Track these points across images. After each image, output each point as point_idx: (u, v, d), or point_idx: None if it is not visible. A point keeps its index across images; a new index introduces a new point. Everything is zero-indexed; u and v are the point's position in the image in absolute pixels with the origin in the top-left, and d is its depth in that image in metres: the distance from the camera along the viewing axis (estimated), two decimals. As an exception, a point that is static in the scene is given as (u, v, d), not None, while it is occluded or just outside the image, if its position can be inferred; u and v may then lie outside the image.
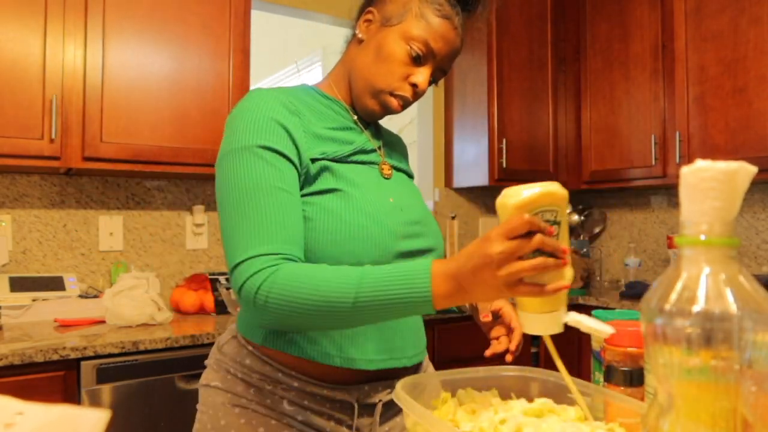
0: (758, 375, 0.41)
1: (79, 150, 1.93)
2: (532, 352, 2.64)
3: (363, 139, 1.02)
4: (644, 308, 0.45)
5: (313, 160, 0.93)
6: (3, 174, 2.13)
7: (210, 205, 2.52)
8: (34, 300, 2.00)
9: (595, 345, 0.90)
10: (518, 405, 0.71)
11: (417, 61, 0.97)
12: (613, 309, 1.53)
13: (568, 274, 0.70)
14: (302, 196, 0.92)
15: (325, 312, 0.78)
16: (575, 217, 3.36)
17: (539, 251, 0.68)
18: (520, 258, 0.68)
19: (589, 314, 0.81)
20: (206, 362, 1.04)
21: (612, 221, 3.39)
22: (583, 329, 0.74)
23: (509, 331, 1.01)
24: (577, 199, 3.50)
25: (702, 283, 0.42)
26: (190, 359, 1.79)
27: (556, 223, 0.69)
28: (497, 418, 0.64)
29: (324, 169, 0.93)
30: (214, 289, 2.23)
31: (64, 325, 1.92)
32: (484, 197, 3.31)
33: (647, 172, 2.81)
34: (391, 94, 0.98)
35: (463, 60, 3.08)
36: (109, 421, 0.43)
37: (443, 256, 1.07)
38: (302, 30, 4.11)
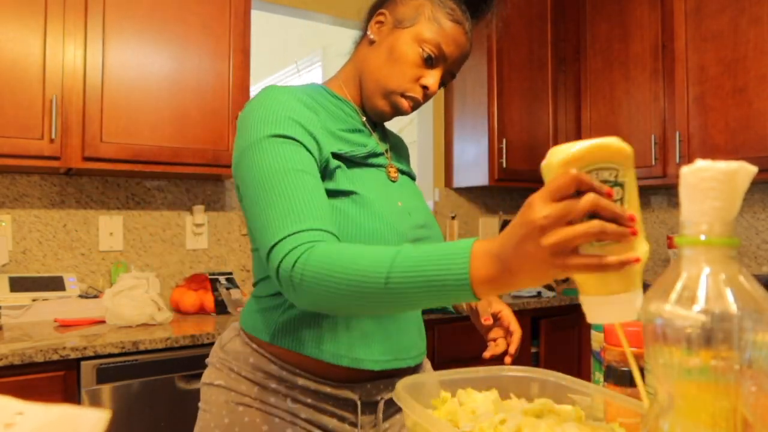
0: (758, 375, 0.41)
1: (79, 150, 1.93)
2: (532, 352, 2.64)
3: (373, 142, 1.02)
4: (644, 308, 0.45)
5: (334, 155, 0.93)
6: (3, 174, 2.13)
7: (210, 205, 2.52)
8: (34, 300, 2.00)
9: (595, 345, 0.90)
10: (518, 405, 0.71)
11: (429, 63, 0.98)
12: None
13: (642, 247, 0.56)
14: None
15: (357, 292, 0.72)
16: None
17: (596, 217, 0.55)
18: (571, 224, 0.55)
19: None
20: (208, 360, 1.04)
21: (612, 221, 3.38)
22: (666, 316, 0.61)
23: (507, 333, 1.02)
24: (577, 199, 3.50)
25: (702, 283, 0.42)
26: (190, 359, 1.79)
27: (618, 184, 0.57)
28: (497, 418, 0.64)
29: (340, 168, 0.93)
30: (214, 289, 2.23)
31: (64, 325, 1.92)
32: (484, 197, 3.31)
33: (647, 172, 2.81)
34: (402, 96, 0.99)
35: (463, 60, 3.07)
36: (109, 421, 0.43)
37: None
38: (302, 30, 4.11)
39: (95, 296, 2.12)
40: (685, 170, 0.44)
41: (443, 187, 3.19)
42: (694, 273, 0.43)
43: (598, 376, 0.88)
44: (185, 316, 2.16)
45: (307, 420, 0.94)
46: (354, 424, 0.96)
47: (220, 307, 2.20)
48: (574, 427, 0.63)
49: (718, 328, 0.41)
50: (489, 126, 2.90)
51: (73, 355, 1.62)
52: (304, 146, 0.88)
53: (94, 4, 1.95)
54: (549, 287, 2.91)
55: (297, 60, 4.28)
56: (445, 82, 1.03)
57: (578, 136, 3.15)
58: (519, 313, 2.55)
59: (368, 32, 1.03)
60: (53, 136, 1.88)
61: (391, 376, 0.99)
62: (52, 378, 1.61)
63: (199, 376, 1.84)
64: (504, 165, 2.89)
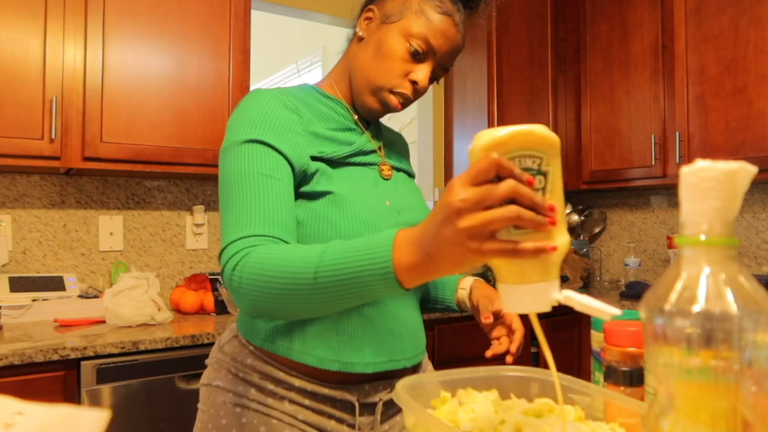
0: (758, 375, 0.41)
1: (79, 150, 1.93)
2: (532, 352, 2.64)
3: (363, 139, 1.01)
4: (644, 308, 0.45)
5: (313, 158, 0.92)
6: (3, 174, 2.13)
7: (210, 205, 2.52)
8: (34, 300, 2.00)
9: (595, 345, 0.90)
10: (518, 405, 0.71)
11: (417, 57, 0.96)
12: (613, 309, 1.52)
13: (561, 238, 0.56)
14: (297, 197, 0.92)
15: (289, 291, 0.73)
16: (575, 217, 3.36)
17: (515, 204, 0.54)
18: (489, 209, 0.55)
19: (589, 315, 0.77)
20: (207, 361, 1.04)
21: (612, 221, 3.39)
22: (578, 308, 0.60)
23: (510, 331, 1.01)
24: (577, 199, 3.50)
25: (702, 283, 0.42)
26: (190, 359, 1.79)
27: (541, 173, 0.55)
28: (497, 418, 0.64)
29: (320, 170, 0.92)
30: (214, 289, 2.23)
31: (64, 325, 1.92)
32: (484, 197, 3.31)
33: (647, 172, 2.81)
34: (391, 92, 0.98)
35: (463, 59, 3.08)
36: (109, 421, 0.42)
37: None
38: (302, 30, 4.11)
39: (95, 296, 2.12)
40: (685, 170, 0.44)
41: (443, 187, 3.19)
42: (694, 273, 0.43)
43: (598, 376, 0.88)
44: (185, 316, 2.16)
45: (305, 421, 0.94)
46: (352, 426, 0.96)
47: (220, 307, 2.20)
48: (574, 427, 0.63)
49: (718, 328, 0.41)
50: (489, 126, 2.90)
51: (73, 355, 1.62)
52: (278, 151, 0.89)
53: (94, 4, 1.95)
54: (549, 287, 2.91)
55: (297, 60, 4.28)
56: (437, 77, 1.01)
57: (578, 136, 3.15)
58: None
59: (357, 29, 1.02)
60: (53, 136, 1.88)
61: (390, 376, 0.98)
62: (52, 378, 1.62)
63: (199, 376, 1.84)
64: (504, 165, 2.89)
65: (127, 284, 1.97)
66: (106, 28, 1.98)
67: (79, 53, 1.94)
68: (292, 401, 0.94)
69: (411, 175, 1.14)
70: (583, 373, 2.73)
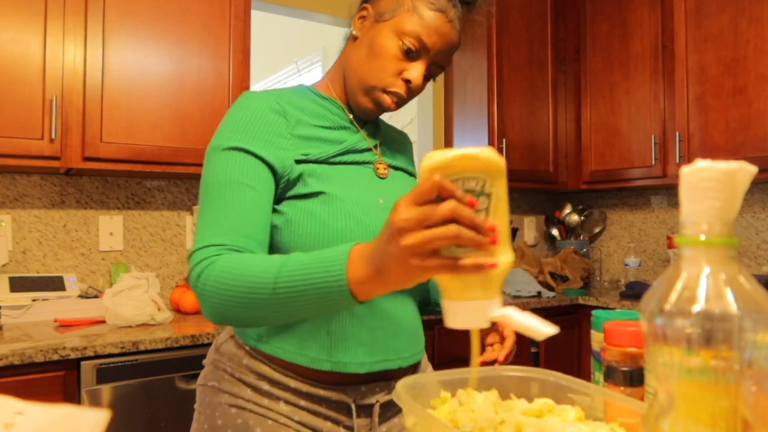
0: (758, 375, 0.41)
1: (79, 150, 1.93)
2: (532, 352, 2.64)
3: (356, 138, 1.00)
4: (644, 308, 0.45)
5: (297, 162, 0.92)
6: (3, 174, 2.13)
7: (210, 205, 2.51)
8: (34, 300, 2.00)
9: (595, 345, 0.90)
10: (518, 405, 0.71)
11: (410, 55, 0.95)
12: (613, 309, 1.53)
13: (503, 257, 0.58)
14: (286, 198, 0.92)
15: (249, 300, 0.76)
16: (575, 217, 3.36)
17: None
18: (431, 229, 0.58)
19: (589, 314, 0.78)
20: (204, 362, 1.03)
21: (612, 221, 3.39)
22: (514, 327, 0.61)
23: (502, 339, 1.01)
24: (577, 199, 3.50)
25: (702, 283, 0.42)
26: (190, 359, 1.79)
27: (484, 194, 0.58)
28: (497, 419, 0.64)
29: (307, 172, 0.92)
30: (214, 289, 2.23)
31: (64, 325, 1.92)
32: (484, 197, 3.31)
33: (647, 172, 2.81)
34: (384, 91, 0.96)
35: (463, 59, 3.08)
36: (109, 421, 0.42)
37: None
38: (302, 30, 4.11)
39: (95, 296, 2.12)
40: (685, 170, 0.44)
41: (443, 187, 3.18)
42: (694, 273, 0.43)
43: (598, 376, 0.88)
44: (185, 316, 2.16)
45: (301, 422, 0.93)
46: (349, 428, 0.95)
47: (220, 307, 2.19)
48: (574, 427, 0.63)
49: (718, 328, 0.41)
50: (489, 126, 2.90)
51: (73, 355, 1.62)
52: (260, 158, 0.89)
53: (94, 4, 1.95)
54: (549, 287, 2.91)
55: (297, 60, 4.28)
56: (432, 75, 1.00)
57: (578, 136, 3.15)
58: (519, 313, 2.55)
59: (352, 28, 1.01)
60: (53, 136, 1.88)
61: (386, 377, 0.97)
62: (52, 378, 1.62)
63: (198, 376, 1.84)
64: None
65: (127, 284, 1.97)
66: (106, 28, 1.98)
67: (79, 53, 1.94)
68: (287, 402, 0.93)
69: (412, 175, 1.13)
70: (583, 373, 2.73)
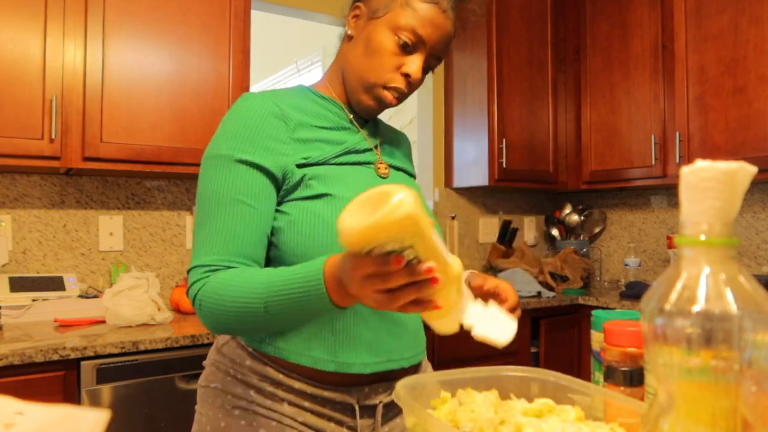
0: (758, 375, 0.41)
1: (79, 150, 1.93)
2: (532, 352, 2.64)
3: (356, 138, 1.00)
4: (644, 308, 0.45)
5: (299, 166, 0.92)
6: (3, 174, 2.13)
7: (210, 205, 2.51)
8: (34, 300, 2.00)
9: (595, 345, 0.90)
10: (518, 405, 0.71)
11: (407, 49, 0.95)
12: (613, 309, 1.53)
13: (452, 273, 0.67)
14: (288, 200, 0.92)
15: (244, 317, 0.83)
16: (575, 217, 3.36)
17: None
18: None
19: (589, 314, 0.79)
20: (205, 363, 1.03)
21: (612, 221, 3.39)
22: (476, 337, 0.73)
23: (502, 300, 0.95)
24: (577, 199, 3.50)
25: (702, 283, 0.42)
26: (190, 359, 1.79)
27: (406, 248, 0.63)
28: (497, 419, 0.64)
29: (309, 175, 0.92)
30: (214, 289, 2.23)
31: (64, 325, 1.92)
32: (484, 197, 3.31)
33: (647, 172, 2.81)
34: (385, 87, 0.96)
35: (463, 59, 3.08)
36: (109, 421, 0.43)
37: None
38: (302, 30, 4.11)
39: (95, 296, 2.12)
40: (685, 170, 0.44)
41: (443, 187, 3.19)
42: (694, 273, 0.43)
43: (598, 376, 0.88)
44: (185, 316, 2.16)
45: (305, 423, 0.93)
46: (352, 428, 0.95)
47: (220, 307, 2.19)
48: (574, 427, 0.63)
49: (718, 328, 0.41)
50: (489, 126, 2.90)
51: (73, 355, 1.62)
52: (259, 167, 0.90)
53: (94, 4, 1.95)
54: (549, 287, 2.91)
55: (297, 60, 4.28)
56: (431, 67, 1.00)
57: (578, 136, 3.15)
58: (519, 313, 2.55)
59: (346, 28, 1.01)
60: (53, 136, 1.88)
61: (389, 378, 0.97)
62: (52, 378, 1.61)
63: (198, 377, 1.84)
64: (504, 165, 2.89)
65: (127, 284, 1.97)
66: (106, 28, 1.98)
67: (79, 53, 1.94)
68: (291, 403, 0.93)
69: (411, 175, 1.13)
70: (583, 373, 2.73)
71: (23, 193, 2.16)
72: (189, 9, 2.12)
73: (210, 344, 1.81)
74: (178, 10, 2.10)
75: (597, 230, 3.39)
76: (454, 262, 0.69)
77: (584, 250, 3.26)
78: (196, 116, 2.12)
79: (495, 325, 0.69)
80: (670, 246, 2.96)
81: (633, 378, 0.74)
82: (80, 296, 2.10)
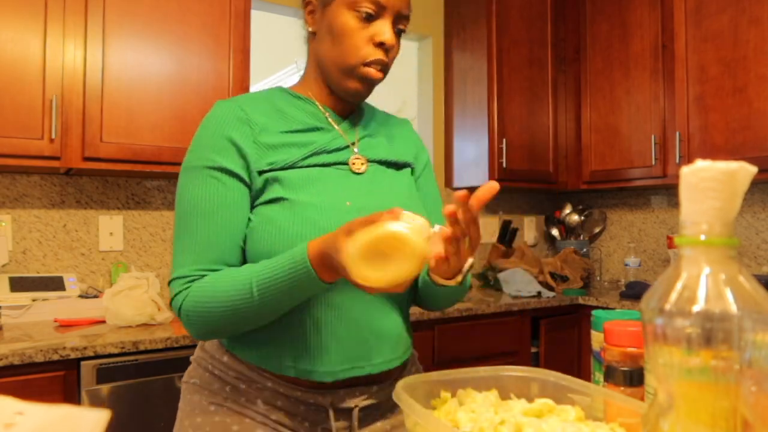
0: (758, 375, 0.41)
1: (79, 150, 1.93)
2: (532, 352, 2.64)
3: (326, 138, 0.98)
4: (644, 308, 0.45)
5: (260, 173, 0.92)
6: (3, 174, 2.13)
7: (210, 205, 2.51)
8: (34, 300, 1.99)
9: (595, 345, 0.90)
10: (518, 405, 0.71)
11: (371, 19, 0.93)
12: (613, 309, 1.53)
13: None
14: (254, 206, 0.93)
15: (237, 312, 0.85)
16: (575, 217, 3.36)
17: None
18: None
19: (589, 314, 0.79)
20: (191, 358, 1.05)
21: (612, 221, 3.39)
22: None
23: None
24: (577, 199, 3.50)
25: (702, 283, 0.42)
26: (190, 359, 1.79)
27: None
28: (497, 419, 0.64)
29: (271, 180, 0.92)
30: (214, 289, 2.23)
31: (64, 325, 1.92)
32: (484, 197, 3.31)
33: (647, 172, 2.81)
34: (365, 65, 0.94)
35: (462, 60, 3.08)
36: (109, 421, 0.42)
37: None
38: (302, 30, 4.11)
39: (95, 296, 2.12)
40: (685, 170, 0.44)
41: (443, 187, 3.19)
42: (694, 273, 0.43)
43: (598, 376, 0.88)
44: (185, 316, 2.16)
45: (278, 422, 0.93)
46: (327, 430, 0.94)
47: (220, 307, 2.19)
48: (574, 427, 0.63)
49: (718, 328, 0.41)
50: (489, 126, 2.90)
51: (73, 355, 1.62)
52: (231, 173, 0.92)
53: (94, 4, 1.95)
54: (549, 287, 2.91)
55: (297, 60, 4.28)
56: (401, 30, 0.97)
57: (578, 136, 3.15)
58: (519, 313, 2.55)
59: (307, 27, 1.00)
60: (53, 136, 1.88)
61: (368, 383, 0.95)
62: (52, 378, 1.61)
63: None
64: (504, 165, 2.89)
65: (127, 284, 1.97)
66: (106, 28, 1.98)
67: (79, 53, 1.94)
68: (265, 401, 0.93)
69: (402, 165, 1.06)
70: (583, 373, 2.73)
71: (23, 193, 2.16)
72: (189, 9, 2.12)
73: (210, 344, 1.81)
74: (178, 10, 2.10)
75: (597, 230, 3.39)
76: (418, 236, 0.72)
77: (584, 250, 3.26)
78: (196, 116, 2.12)
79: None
80: (670, 246, 2.96)
81: (633, 378, 0.74)
82: (80, 296, 2.10)
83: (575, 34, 3.16)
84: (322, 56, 0.98)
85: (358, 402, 0.95)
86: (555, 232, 3.44)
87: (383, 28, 0.93)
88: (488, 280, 3.03)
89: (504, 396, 0.75)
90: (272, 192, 0.92)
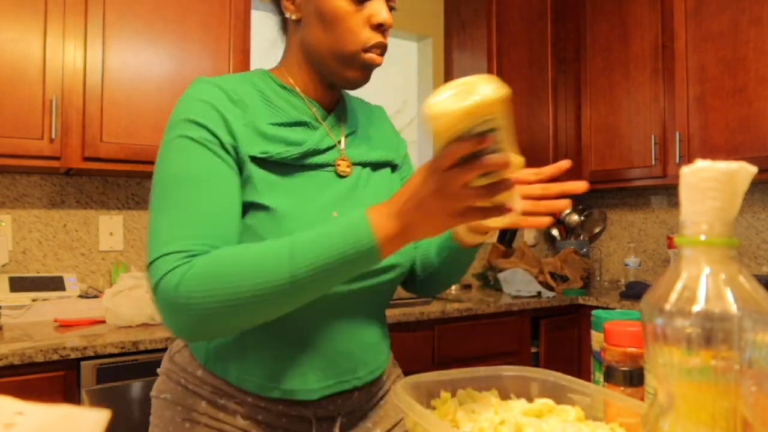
0: (758, 375, 0.41)
1: (79, 150, 1.93)
2: (532, 352, 2.64)
3: (317, 137, 0.90)
4: (644, 308, 0.45)
5: (253, 158, 0.83)
6: (3, 174, 2.13)
7: (210, 205, 2.52)
8: (34, 300, 1.99)
9: (595, 345, 0.90)
10: (518, 405, 0.71)
11: (364, 1, 0.86)
12: (613, 309, 1.53)
13: (515, 163, 0.69)
14: None
15: (259, 299, 0.71)
16: (575, 217, 3.36)
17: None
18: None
19: (589, 314, 0.79)
20: (158, 371, 0.98)
21: (612, 221, 3.39)
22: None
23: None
24: (577, 199, 3.50)
25: (702, 283, 0.42)
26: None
27: (493, 130, 0.64)
28: (497, 419, 0.64)
29: (261, 174, 0.84)
30: (214, 289, 2.23)
31: (64, 325, 1.92)
32: (484, 197, 3.31)
33: (647, 172, 2.81)
34: (365, 50, 0.86)
35: (462, 59, 3.08)
36: (109, 421, 0.42)
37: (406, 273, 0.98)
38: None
39: (95, 296, 2.12)
40: (685, 170, 0.44)
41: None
42: (694, 273, 0.43)
43: (598, 376, 0.88)
44: (185, 316, 2.15)
45: None
46: None
47: (220, 307, 2.19)
48: (574, 427, 0.63)
49: (718, 328, 0.41)
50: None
51: (73, 355, 1.62)
52: (222, 144, 0.82)
53: (94, 4, 1.95)
54: (549, 287, 2.91)
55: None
56: (393, 7, 0.91)
57: (578, 136, 3.15)
58: (519, 313, 2.55)
59: (287, 14, 0.92)
60: (53, 136, 1.88)
61: (351, 391, 0.93)
62: (52, 378, 1.61)
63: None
64: (504, 165, 2.89)
65: (127, 284, 1.97)
66: (106, 29, 1.98)
67: (79, 53, 1.94)
68: (244, 416, 0.88)
69: (384, 164, 1.00)
70: (583, 373, 2.73)
71: (23, 193, 2.16)
72: (189, 9, 2.12)
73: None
74: (178, 10, 2.10)
75: (597, 230, 3.39)
76: (518, 160, 0.71)
77: (584, 250, 3.26)
78: (196, 116, 2.11)
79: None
80: (670, 246, 2.96)
81: (633, 378, 0.74)
82: (80, 296, 2.10)
83: (575, 34, 3.16)
84: (312, 44, 0.89)
85: (341, 410, 0.92)
86: (555, 232, 3.44)
87: (379, 7, 0.86)
88: (488, 280, 3.03)
89: (504, 396, 0.75)
90: (254, 193, 0.83)
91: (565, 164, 0.89)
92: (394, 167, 1.04)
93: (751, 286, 0.42)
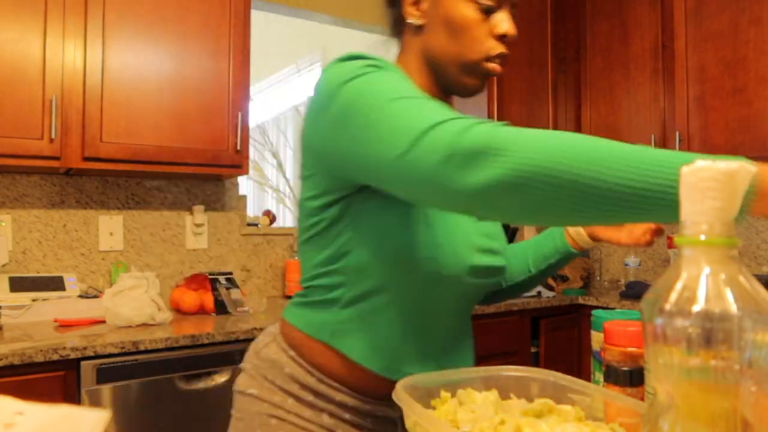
0: (758, 375, 0.41)
1: (79, 150, 1.93)
2: (532, 352, 2.64)
3: None
4: (644, 308, 0.45)
5: None
6: (3, 174, 2.13)
7: (210, 205, 2.52)
8: (34, 300, 1.99)
9: (595, 345, 0.90)
10: (518, 405, 0.71)
11: (491, 11, 0.87)
12: (613, 309, 1.53)
13: None
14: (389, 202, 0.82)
15: (618, 190, 0.56)
16: (575, 217, 3.36)
17: None
18: None
19: (589, 314, 0.79)
20: (242, 366, 0.98)
21: (612, 221, 3.38)
22: None
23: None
24: (577, 199, 3.50)
25: (702, 283, 0.42)
26: (190, 359, 1.79)
27: None
28: (497, 419, 0.64)
29: None
30: (214, 289, 2.23)
31: (64, 325, 1.92)
32: (484, 197, 3.31)
33: (647, 172, 2.81)
34: (488, 60, 0.88)
35: (463, 60, 3.08)
36: (109, 421, 0.42)
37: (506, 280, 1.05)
38: (302, 30, 4.11)
39: (95, 296, 2.12)
40: (685, 170, 0.44)
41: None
42: (694, 273, 0.43)
43: (598, 376, 0.88)
44: (185, 316, 2.16)
45: None
46: None
47: (220, 307, 2.20)
48: (574, 427, 0.63)
49: (718, 328, 0.41)
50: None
51: (73, 355, 1.62)
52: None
53: (94, 4, 1.95)
54: (549, 287, 2.91)
55: (297, 60, 4.28)
56: (515, 17, 0.93)
57: (578, 136, 3.15)
58: (519, 313, 2.55)
59: (408, 20, 0.91)
60: (53, 136, 1.88)
61: None
62: (52, 378, 1.61)
63: (199, 376, 1.84)
64: (504, 165, 2.89)
65: (127, 284, 1.97)
66: (106, 29, 1.98)
67: (79, 53, 1.94)
68: (331, 414, 0.89)
69: None
70: (583, 373, 2.73)
71: (23, 193, 2.16)
72: (189, 9, 2.12)
73: (210, 344, 1.80)
74: (178, 10, 2.10)
75: (597, 230, 3.39)
76: None
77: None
78: (196, 116, 2.12)
79: None
80: (670, 246, 2.96)
81: (633, 378, 0.74)
82: (80, 296, 2.10)
83: (575, 34, 3.16)
84: (435, 50, 0.90)
85: None
86: (555, 232, 3.43)
87: (504, 19, 0.88)
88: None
89: (504, 396, 0.75)
90: None
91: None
92: None
93: (751, 286, 0.42)
